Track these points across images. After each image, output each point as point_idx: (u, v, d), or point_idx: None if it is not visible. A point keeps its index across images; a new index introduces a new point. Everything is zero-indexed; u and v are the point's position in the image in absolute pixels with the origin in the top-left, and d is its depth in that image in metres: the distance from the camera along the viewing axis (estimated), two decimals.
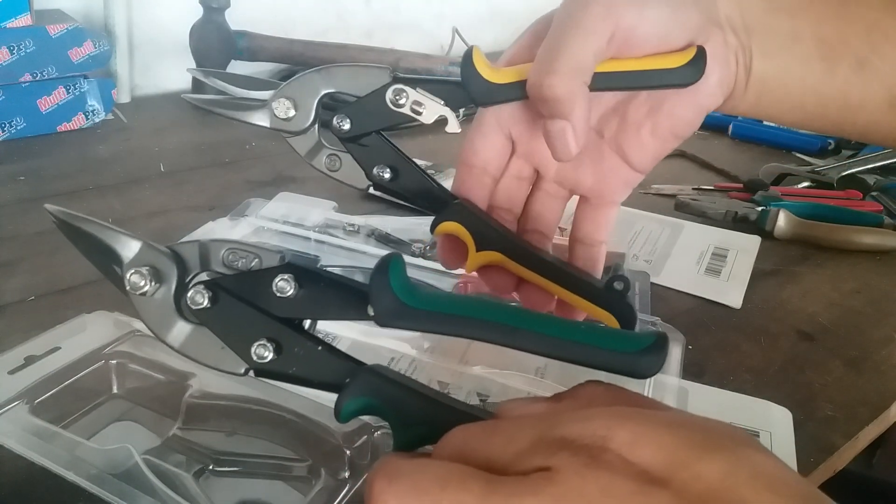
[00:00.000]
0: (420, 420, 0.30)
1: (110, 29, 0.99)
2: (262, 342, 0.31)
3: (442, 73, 1.09)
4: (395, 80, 0.40)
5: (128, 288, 0.31)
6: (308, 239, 0.66)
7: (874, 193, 0.93)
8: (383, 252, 0.65)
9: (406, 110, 0.40)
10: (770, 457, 0.23)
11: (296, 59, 1.05)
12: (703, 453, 0.23)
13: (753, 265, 0.74)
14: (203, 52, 0.98)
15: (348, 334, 0.54)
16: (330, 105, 0.42)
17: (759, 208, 0.83)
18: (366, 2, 1.26)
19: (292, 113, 0.41)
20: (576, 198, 0.46)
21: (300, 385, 0.32)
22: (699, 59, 0.39)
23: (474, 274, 0.44)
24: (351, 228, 0.69)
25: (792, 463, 0.49)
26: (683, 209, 0.83)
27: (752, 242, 0.79)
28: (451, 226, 0.42)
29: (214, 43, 0.98)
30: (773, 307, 0.68)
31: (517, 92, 0.39)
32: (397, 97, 0.40)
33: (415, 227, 0.70)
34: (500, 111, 0.42)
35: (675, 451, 0.23)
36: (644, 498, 0.22)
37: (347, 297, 0.32)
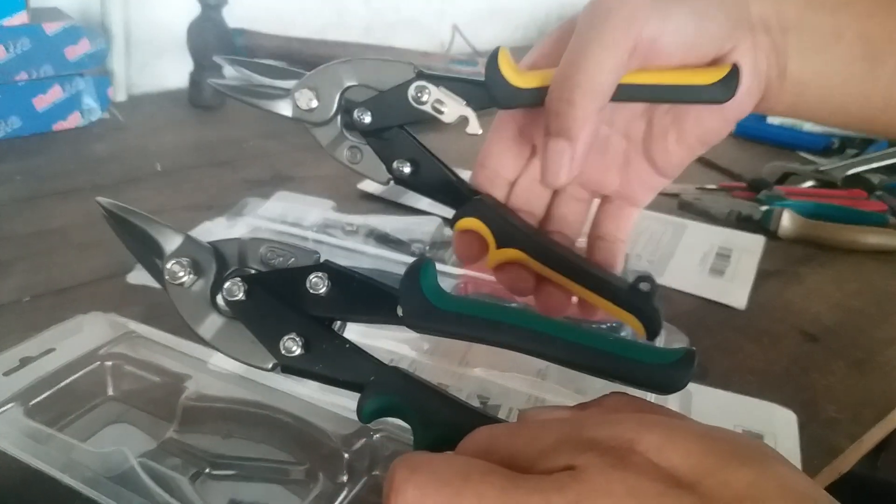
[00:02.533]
0: (441, 421, 0.30)
1: (107, 27, 0.98)
2: (291, 336, 0.32)
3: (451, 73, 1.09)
4: (419, 76, 0.40)
5: (166, 277, 0.33)
6: (306, 239, 0.65)
7: (879, 193, 0.92)
8: (382, 252, 0.65)
9: (427, 108, 0.40)
10: (796, 471, 0.23)
11: (294, 57, 1.05)
12: (731, 462, 0.23)
13: (757, 265, 0.74)
14: (200, 49, 0.98)
15: (347, 335, 0.53)
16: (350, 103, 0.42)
17: (763, 208, 0.82)
18: (365, 1, 1.25)
19: (315, 104, 0.41)
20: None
21: (325, 383, 0.33)
22: (732, 78, 0.38)
23: (476, 273, 0.43)
24: (350, 228, 0.69)
25: (796, 466, 0.49)
26: (687, 209, 0.83)
27: (756, 242, 0.78)
28: (470, 222, 0.42)
29: (212, 41, 0.97)
30: (777, 308, 0.68)
31: (539, 98, 0.39)
32: (419, 94, 0.40)
33: (414, 227, 0.70)
34: (520, 115, 0.42)
35: (702, 458, 0.23)
36: (671, 500, 0.22)
37: (377, 298, 0.32)
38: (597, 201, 0.45)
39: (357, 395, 0.32)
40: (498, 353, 0.54)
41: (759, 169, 0.97)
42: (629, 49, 0.36)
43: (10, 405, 0.45)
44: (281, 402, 0.47)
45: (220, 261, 0.33)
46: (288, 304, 0.32)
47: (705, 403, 0.53)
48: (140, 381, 0.50)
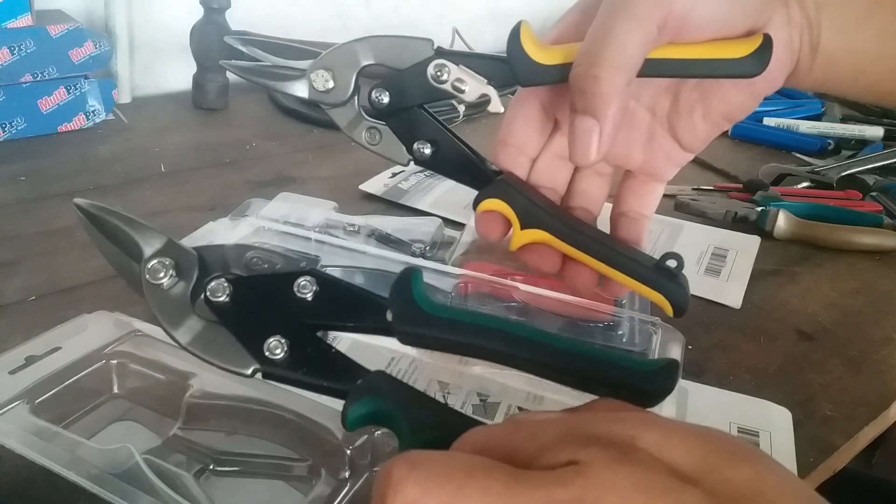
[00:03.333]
0: (430, 425, 0.29)
1: (111, 29, 0.99)
2: (276, 338, 0.31)
3: None
4: (438, 53, 0.39)
5: (146, 276, 0.32)
6: (308, 239, 0.66)
7: (874, 194, 0.93)
8: (383, 252, 0.66)
9: (447, 87, 0.39)
10: (791, 473, 0.23)
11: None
12: (732, 459, 0.23)
13: (753, 265, 0.74)
14: (203, 52, 0.98)
15: (348, 334, 0.54)
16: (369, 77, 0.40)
17: (759, 208, 0.83)
18: (365, 2, 1.26)
19: (331, 84, 0.40)
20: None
21: (307, 389, 0.32)
22: (764, 50, 0.36)
23: (472, 273, 0.43)
24: (351, 228, 0.69)
25: (791, 463, 0.50)
26: (683, 209, 0.83)
27: (752, 243, 0.79)
28: (494, 203, 0.41)
29: (215, 43, 0.98)
30: (773, 307, 0.68)
31: (564, 74, 0.37)
32: (439, 73, 0.39)
33: (414, 227, 0.70)
34: (542, 90, 0.41)
35: (703, 455, 0.23)
36: (677, 494, 0.22)
37: (365, 305, 0.32)
38: (619, 177, 0.44)
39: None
40: None
41: (755, 170, 0.98)
42: (659, 23, 0.35)
43: (15, 403, 0.45)
44: (284, 399, 0.47)
45: (202, 266, 0.32)
46: (273, 308, 0.32)
47: (701, 401, 0.54)
48: (145, 378, 0.50)
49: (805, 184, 0.96)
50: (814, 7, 0.38)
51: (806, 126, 1.15)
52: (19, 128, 0.86)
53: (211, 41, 0.97)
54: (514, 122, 0.42)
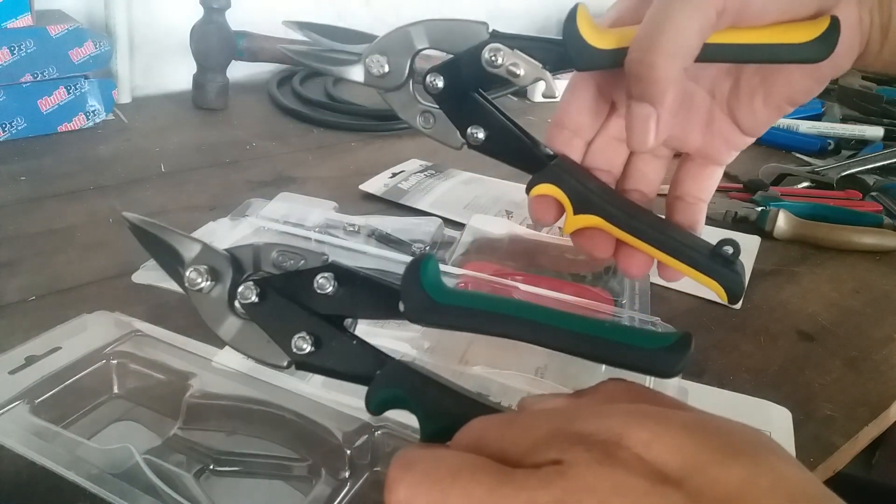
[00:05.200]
0: (444, 412, 0.31)
1: (111, 29, 0.99)
2: (301, 335, 0.33)
3: None
4: (493, 36, 0.39)
5: (186, 284, 0.35)
6: (308, 239, 0.66)
7: (874, 194, 0.93)
8: (383, 252, 0.66)
9: (502, 71, 0.38)
10: (792, 464, 0.23)
11: (297, 60, 1.06)
12: (723, 458, 0.22)
13: (753, 265, 0.74)
14: (204, 52, 0.98)
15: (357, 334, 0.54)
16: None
17: (759, 208, 0.83)
18: (366, 2, 1.26)
19: (386, 69, 0.40)
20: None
21: (335, 378, 0.34)
22: (831, 34, 0.35)
23: (472, 273, 0.43)
24: (351, 228, 0.69)
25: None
26: None
27: (752, 243, 0.79)
28: (547, 188, 0.40)
29: (215, 43, 0.98)
30: (773, 307, 0.68)
31: (620, 59, 0.37)
32: (493, 57, 0.38)
33: (415, 227, 0.70)
34: (600, 74, 0.40)
35: (692, 454, 0.22)
36: (656, 498, 0.22)
37: (381, 295, 0.33)
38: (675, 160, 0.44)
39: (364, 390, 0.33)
40: (497, 352, 0.55)
41: (755, 170, 0.98)
42: (718, 8, 0.34)
43: (16, 403, 0.46)
44: (284, 399, 0.47)
45: (235, 266, 0.35)
46: (298, 304, 0.34)
47: (701, 401, 0.53)
48: (145, 379, 0.50)
49: (805, 184, 0.96)
50: None
51: (806, 126, 1.15)
52: (19, 128, 0.86)
53: (211, 41, 0.97)
54: (569, 105, 0.41)
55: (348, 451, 0.44)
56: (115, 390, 0.51)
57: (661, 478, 0.22)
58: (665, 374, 0.30)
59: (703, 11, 0.34)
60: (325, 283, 0.33)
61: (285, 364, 0.34)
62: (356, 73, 0.41)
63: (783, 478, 0.22)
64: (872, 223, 0.83)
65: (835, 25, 0.35)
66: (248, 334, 0.35)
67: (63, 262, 0.64)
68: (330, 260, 0.34)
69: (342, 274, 0.34)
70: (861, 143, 1.13)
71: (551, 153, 0.42)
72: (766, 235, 0.80)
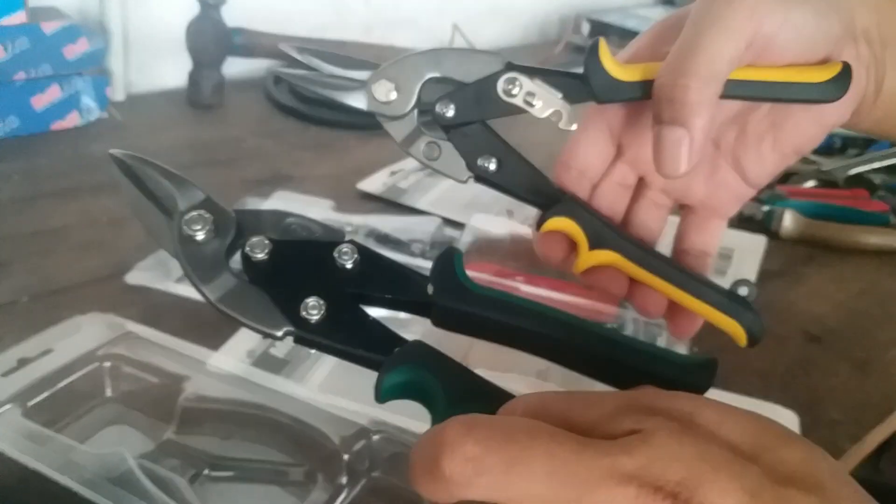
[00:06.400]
0: (469, 397, 0.28)
1: (105, 26, 0.98)
2: (315, 298, 0.30)
3: None
4: (509, 67, 0.38)
5: (182, 227, 0.30)
6: None
7: (881, 193, 0.92)
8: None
9: (518, 101, 0.38)
10: (834, 460, 0.24)
11: (292, 57, 1.05)
12: (785, 441, 0.23)
13: (759, 265, 0.74)
14: (199, 49, 0.97)
15: None
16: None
17: (765, 208, 0.82)
18: (366, 1, 1.25)
19: (393, 96, 0.39)
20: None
21: (340, 357, 0.31)
22: (845, 76, 0.37)
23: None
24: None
25: None
26: None
27: (758, 242, 0.78)
28: (562, 222, 0.40)
29: (210, 40, 0.97)
30: (780, 308, 0.68)
31: (642, 91, 0.37)
32: (510, 86, 0.38)
33: (414, 226, 0.70)
34: (613, 113, 0.41)
35: (758, 436, 0.23)
36: (739, 467, 0.22)
37: (406, 278, 0.32)
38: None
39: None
40: (499, 354, 0.54)
41: None
42: (748, 39, 0.35)
43: (7, 406, 0.45)
44: (280, 403, 0.47)
45: (240, 227, 0.31)
46: (313, 271, 0.31)
47: None
48: (138, 382, 0.50)
49: (811, 183, 0.96)
50: (879, 45, 0.39)
51: None
52: (12, 126, 0.85)
53: (207, 38, 0.97)
54: (578, 145, 0.41)
55: (346, 457, 0.44)
56: (109, 393, 0.50)
57: (740, 451, 0.23)
58: (695, 385, 0.30)
59: (735, 41, 0.35)
60: (347, 256, 0.31)
61: (280, 334, 0.30)
62: (358, 99, 0.39)
63: (835, 464, 0.23)
64: (879, 222, 0.83)
65: (847, 70, 0.37)
66: (243, 295, 0.30)
67: (56, 262, 0.64)
68: (351, 238, 0.32)
69: (364, 252, 0.32)
70: (868, 142, 1.12)
71: (561, 189, 0.41)
72: (773, 235, 0.80)
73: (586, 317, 0.56)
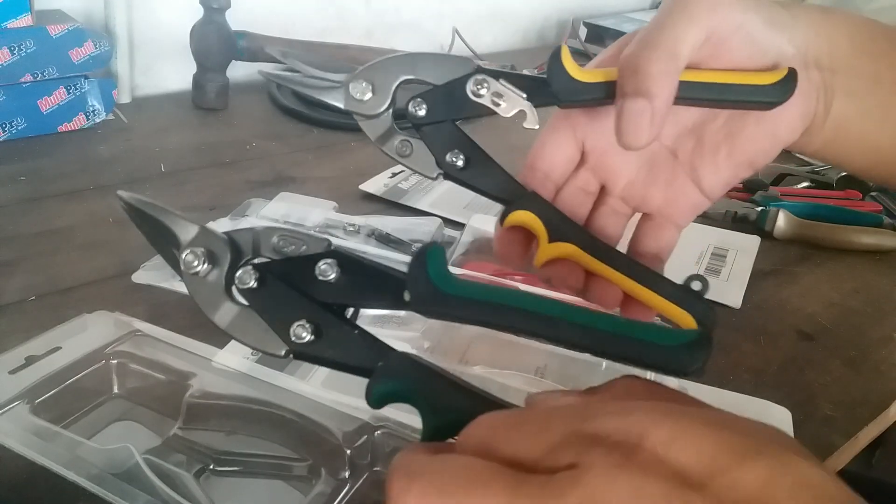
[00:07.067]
0: (449, 407, 0.30)
1: (111, 29, 0.99)
2: (301, 323, 0.32)
3: None
4: (478, 70, 0.40)
5: (182, 267, 0.33)
6: None
7: (873, 194, 0.93)
8: (383, 252, 0.66)
9: (486, 101, 0.40)
10: (814, 464, 0.22)
11: (295, 59, 1.06)
12: (745, 458, 0.22)
13: (753, 265, 0.74)
14: (203, 52, 0.98)
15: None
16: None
17: (759, 208, 0.83)
18: (366, 2, 1.26)
19: (369, 95, 0.41)
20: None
21: (335, 369, 0.33)
22: (789, 80, 0.38)
23: (472, 273, 0.43)
24: (351, 228, 0.70)
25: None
26: None
27: (752, 242, 0.79)
28: (523, 215, 0.41)
29: (215, 43, 0.98)
30: (773, 307, 0.68)
31: (602, 92, 0.39)
32: (478, 87, 0.40)
33: (414, 227, 0.70)
34: (577, 118, 0.42)
35: (714, 455, 0.22)
36: (677, 503, 0.21)
37: (386, 284, 0.32)
38: (636, 218, 0.45)
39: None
40: (497, 351, 0.55)
41: None
42: (708, 31, 0.37)
43: (16, 403, 0.46)
44: (284, 399, 0.47)
45: (234, 250, 0.33)
46: (299, 291, 0.33)
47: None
48: (145, 378, 0.50)
49: (805, 184, 0.96)
50: (829, 72, 0.41)
51: None
52: (19, 128, 0.86)
53: (211, 41, 0.97)
54: (544, 148, 0.43)
55: (348, 451, 0.44)
56: (115, 390, 0.51)
57: (682, 480, 0.21)
58: (683, 372, 0.29)
59: (696, 28, 0.37)
60: (327, 270, 0.32)
61: (283, 353, 0.33)
62: (336, 98, 0.41)
63: (805, 478, 0.21)
64: (872, 223, 0.83)
65: (792, 74, 0.38)
66: (246, 321, 0.33)
67: (63, 262, 0.64)
68: (333, 246, 0.33)
69: (345, 261, 0.33)
70: None
71: (526, 188, 0.42)
72: (766, 235, 0.81)
73: None
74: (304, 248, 0.33)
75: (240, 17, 1.00)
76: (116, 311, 0.55)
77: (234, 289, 0.33)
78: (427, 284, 0.31)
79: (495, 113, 0.40)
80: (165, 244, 0.34)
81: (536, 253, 0.41)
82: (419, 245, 0.67)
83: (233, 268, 0.33)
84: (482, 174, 0.42)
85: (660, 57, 0.36)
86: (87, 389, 0.49)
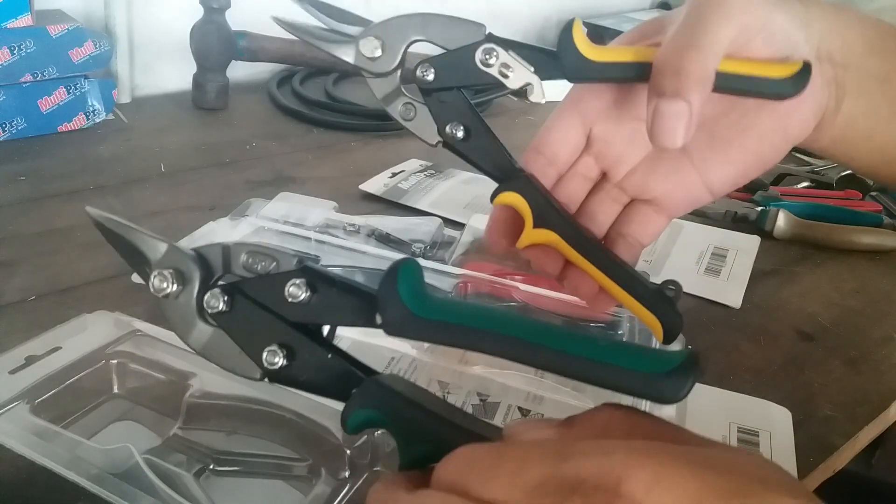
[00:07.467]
0: (424, 437, 0.29)
1: (111, 29, 0.99)
2: (272, 348, 0.31)
3: None
4: (488, 38, 0.40)
5: (151, 291, 0.32)
6: (308, 239, 0.66)
7: (873, 193, 0.93)
8: (383, 252, 0.66)
9: (493, 71, 0.39)
10: (802, 497, 0.22)
11: (296, 60, 1.06)
12: (729, 503, 0.21)
13: (753, 265, 0.74)
14: (203, 52, 0.98)
15: (349, 334, 0.54)
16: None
17: (759, 208, 0.83)
18: (366, 2, 1.26)
19: (378, 53, 0.40)
20: None
21: (311, 392, 0.32)
22: (804, 74, 0.38)
23: (472, 273, 0.43)
24: (351, 228, 0.69)
25: (791, 463, 0.50)
26: None
27: (752, 242, 0.79)
28: (511, 196, 0.41)
29: (215, 43, 0.98)
30: (773, 307, 0.68)
31: (612, 72, 0.38)
32: (487, 56, 0.39)
33: (414, 227, 0.70)
34: (587, 105, 0.42)
35: (697, 499, 0.21)
36: None
37: (358, 303, 0.31)
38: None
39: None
40: None
41: None
42: (742, 27, 0.37)
43: (15, 403, 0.46)
44: (284, 399, 0.47)
45: (204, 268, 0.32)
46: (270, 311, 0.31)
47: (701, 401, 0.54)
48: (145, 378, 0.50)
49: (805, 184, 0.96)
50: (842, 68, 0.41)
51: None
52: (19, 128, 0.86)
53: (211, 41, 0.97)
54: (550, 133, 0.42)
55: (348, 451, 0.44)
56: (115, 390, 0.51)
57: None
58: (668, 400, 0.28)
59: (733, 26, 0.36)
60: (296, 291, 0.31)
61: (258, 376, 0.32)
62: (347, 53, 0.41)
63: None
64: (872, 223, 0.83)
65: (806, 68, 0.38)
66: (219, 344, 0.32)
67: (63, 261, 0.64)
68: (322, 259, 0.32)
69: (316, 278, 0.31)
70: None
71: (522, 169, 0.42)
72: (766, 235, 0.80)
73: (582, 315, 0.57)
74: (274, 264, 0.32)
75: (240, 17, 1.00)
76: (116, 310, 0.55)
77: (204, 311, 0.32)
78: (398, 307, 0.30)
79: (503, 85, 0.39)
80: (139, 262, 0.33)
81: (521, 236, 0.41)
82: (419, 245, 0.67)
83: (203, 286, 0.32)
84: (480, 148, 0.41)
85: (703, 59, 0.36)
86: (87, 389, 0.49)
